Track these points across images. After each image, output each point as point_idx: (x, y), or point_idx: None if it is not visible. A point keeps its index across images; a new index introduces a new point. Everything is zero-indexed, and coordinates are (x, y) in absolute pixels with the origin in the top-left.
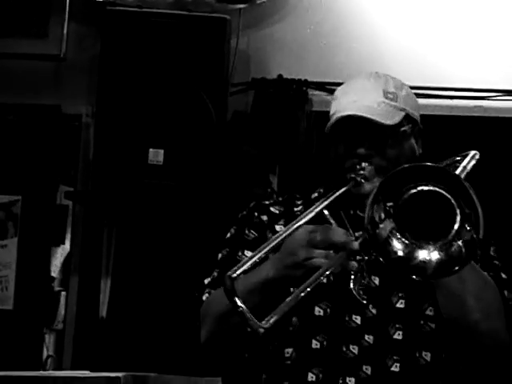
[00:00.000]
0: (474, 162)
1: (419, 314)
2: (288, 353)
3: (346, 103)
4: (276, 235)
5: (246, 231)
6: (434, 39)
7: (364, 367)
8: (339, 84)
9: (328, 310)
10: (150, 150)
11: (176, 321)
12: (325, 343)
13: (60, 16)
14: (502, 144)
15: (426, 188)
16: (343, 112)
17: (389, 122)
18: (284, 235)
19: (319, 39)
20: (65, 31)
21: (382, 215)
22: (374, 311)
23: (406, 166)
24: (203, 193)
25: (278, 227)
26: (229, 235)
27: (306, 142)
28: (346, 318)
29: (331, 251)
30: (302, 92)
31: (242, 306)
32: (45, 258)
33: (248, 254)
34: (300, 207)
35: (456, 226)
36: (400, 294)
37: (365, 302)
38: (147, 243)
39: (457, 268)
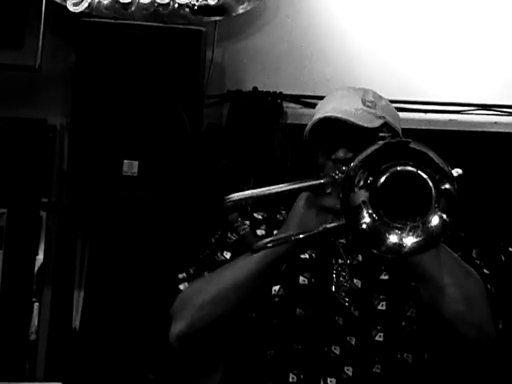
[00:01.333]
0: (455, 173)
1: (400, 315)
2: (270, 355)
3: (324, 110)
4: (274, 186)
5: (228, 234)
6: (409, 54)
7: (346, 368)
8: (314, 97)
9: (310, 311)
10: (125, 161)
11: (148, 332)
12: (306, 344)
13: (35, 27)
14: (477, 158)
15: (401, 168)
16: (319, 116)
17: (367, 125)
18: (279, 189)
19: (294, 52)
20: (40, 42)
21: (361, 183)
22: (356, 313)
23: (394, 140)
24: (177, 204)
25: (259, 232)
26: (213, 240)
27: (280, 155)
28: (329, 319)
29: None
30: (277, 105)
31: (245, 224)
32: (29, 269)
33: (227, 254)
34: (283, 212)
35: (433, 199)
36: (381, 296)
37: (347, 304)
38: (121, 255)
39: (434, 245)
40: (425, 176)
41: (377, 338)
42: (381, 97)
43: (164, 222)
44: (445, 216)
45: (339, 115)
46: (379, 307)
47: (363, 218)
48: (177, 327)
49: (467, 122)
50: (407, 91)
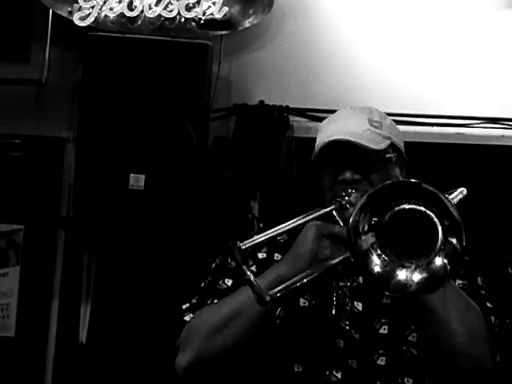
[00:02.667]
0: (461, 196)
1: (402, 339)
2: (271, 377)
3: (331, 132)
4: (286, 223)
5: (229, 260)
6: (415, 67)
7: None
8: (320, 110)
9: (310, 333)
10: (131, 175)
11: (155, 347)
12: (307, 367)
13: (42, 41)
14: (483, 171)
15: (408, 206)
16: (330, 138)
17: (375, 146)
18: (293, 224)
19: (300, 66)
20: (46, 56)
21: (366, 227)
22: (356, 336)
23: (396, 180)
24: (184, 218)
25: (260, 255)
26: (213, 266)
27: (287, 168)
28: (329, 342)
29: (340, 246)
30: (283, 118)
31: (249, 273)
32: (47, 285)
33: (228, 281)
34: (284, 235)
35: (439, 241)
36: (383, 320)
37: (347, 327)
38: (127, 268)
39: (439, 285)
40: (434, 217)
41: (379, 362)
42: (386, 116)
43: (170, 236)
44: (446, 261)
45: (348, 137)
46: (381, 331)
47: (373, 260)
48: (183, 359)
49: (474, 136)
50: (414, 105)
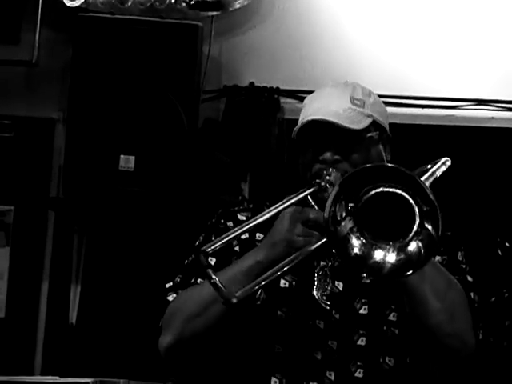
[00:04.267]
0: (444, 168)
1: (382, 319)
2: (252, 358)
3: (312, 110)
4: (255, 217)
5: (213, 238)
6: (405, 49)
7: (328, 372)
8: (311, 92)
9: (290, 314)
10: (121, 156)
11: (145, 326)
12: (288, 347)
13: (32, 22)
14: (473, 153)
15: (385, 189)
16: (308, 117)
17: (354, 126)
18: (263, 217)
19: (291, 47)
20: (37, 37)
21: (344, 214)
22: (337, 316)
23: (367, 165)
24: (174, 200)
25: (243, 236)
26: (197, 243)
27: (277, 150)
28: (310, 323)
29: (316, 232)
30: (274, 100)
31: (215, 277)
32: (37, 266)
33: (212, 260)
34: (246, 234)
35: (415, 226)
36: (363, 300)
37: (328, 307)
38: (117, 250)
39: (413, 269)
40: (409, 199)
41: (359, 343)
42: (369, 93)
43: (160, 217)
44: (421, 246)
45: (326, 117)
46: (361, 311)
47: (352, 243)
48: (165, 339)
49: (464, 118)
50: (404, 86)
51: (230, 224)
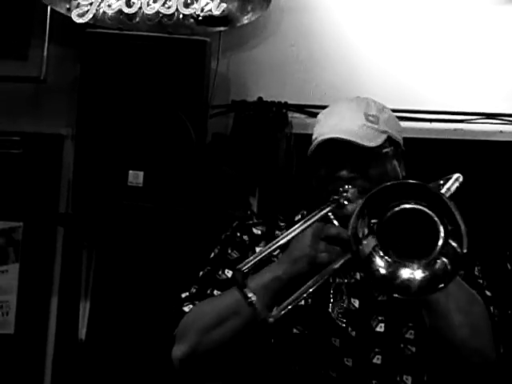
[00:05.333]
0: (457, 184)
1: (399, 337)
2: (267, 375)
3: (327, 127)
4: (283, 235)
5: (229, 251)
6: (413, 63)
7: None
8: (319, 107)
9: (306, 332)
10: (130, 171)
11: (154, 342)
12: (304, 365)
13: (40, 38)
14: (482, 167)
15: (409, 206)
16: (324, 136)
17: (370, 143)
18: (290, 235)
19: (299, 62)
20: (45, 53)
21: (366, 231)
22: (353, 334)
23: (391, 182)
24: (183, 215)
25: (258, 249)
26: (212, 255)
27: (285, 165)
28: (325, 341)
29: (337, 248)
30: (282, 114)
31: (253, 297)
32: (46, 282)
33: (228, 273)
34: (283, 230)
35: (440, 243)
36: (380, 318)
37: (344, 325)
38: (126, 265)
39: (441, 285)
40: (433, 215)
41: (375, 361)
42: (383, 108)
43: (169, 233)
44: (447, 262)
45: (342, 136)
46: (377, 329)
47: (377, 263)
48: (179, 350)
49: (472, 131)
50: (412, 100)
51: (246, 238)
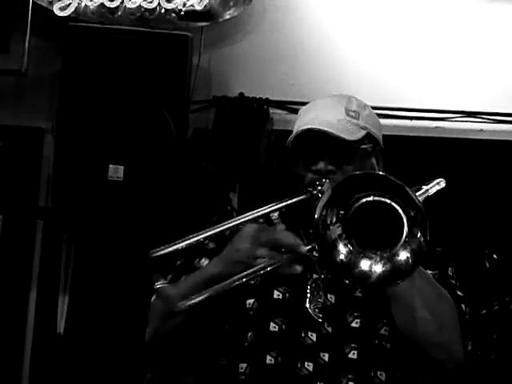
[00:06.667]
0: (437, 187)
1: (374, 333)
2: (242, 368)
3: (308, 119)
4: (216, 226)
5: (206, 241)
6: (394, 61)
7: None
8: (300, 103)
9: (283, 326)
10: (110, 166)
11: (133, 337)
12: (279, 359)
13: (22, 31)
14: (462, 165)
15: (375, 198)
16: (303, 127)
17: (349, 137)
18: (224, 227)
19: (281, 58)
20: (26, 47)
21: (334, 219)
22: (329, 329)
23: (357, 172)
24: (163, 210)
25: (211, 245)
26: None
27: (266, 160)
28: (302, 335)
29: (274, 252)
30: (263, 110)
31: (157, 284)
32: (25, 276)
33: (205, 262)
34: (213, 245)
35: (404, 235)
36: (355, 314)
37: (320, 320)
38: (106, 259)
39: (400, 279)
40: (398, 208)
41: (350, 356)
42: (365, 106)
43: (149, 227)
44: (410, 255)
45: (321, 127)
46: (353, 324)
47: (339, 250)
48: (147, 333)
49: (453, 129)
50: (393, 98)
51: (226, 232)
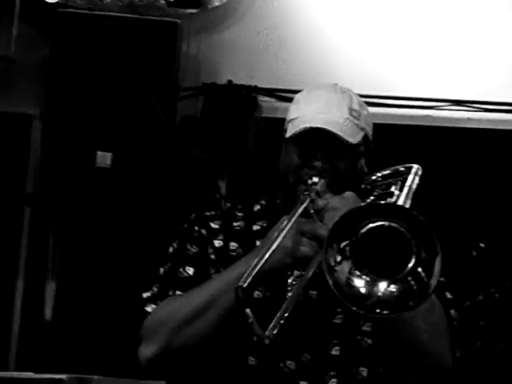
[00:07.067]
0: (417, 178)
1: (356, 329)
2: (224, 370)
3: (313, 113)
4: (269, 241)
5: (188, 246)
6: (382, 49)
7: (301, 383)
8: (288, 91)
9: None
10: (98, 152)
11: (120, 324)
12: (261, 359)
13: (9, 17)
14: (450, 153)
15: (379, 223)
16: (310, 123)
17: (352, 140)
18: (277, 241)
19: (270, 46)
20: (14, 32)
21: (338, 258)
22: (311, 326)
23: (361, 205)
24: (151, 197)
25: (216, 242)
26: (171, 250)
27: (254, 148)
28: (283, 334)
29: (315, 243)
30: (252, 98)
31: (252, 317)
32: (13, 263)
33: (189, 270)
34: (240, 222)
35: (410, 265)
36: (338, 310)
37: (301, 318)
38: (94, 246)
39: (421, 301)
40: (403, 230)
41: (333, 352)
42: (363, 104)
43: (136, 214)
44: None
45: (330, 128)
46: (335, 320)
47: (356, 284)
48: (148, 350)
49: (440, 118)
50: (381, 86)
51: (204, 232)
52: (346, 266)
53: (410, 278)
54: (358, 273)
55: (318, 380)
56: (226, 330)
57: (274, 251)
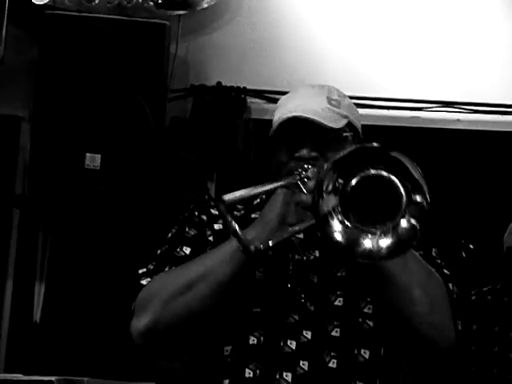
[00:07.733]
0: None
1: (357, 311)
2: (226, 350)
3: (290, 107)
4: (257, 187)
5: (187, 229)
6: (371, 51)
7: (301, 362)
8: (277, 92)
9: (265, 307)
10: (87, 154)
11: (110, 325)
12: (262, 338)
13: None
14: (439, 155)
15: (373, 172)
16: (288, 114)
17: (333, 125)
18: (262, 189)
19: (258, 48)
20: (3, 34)
21: (330, 187)
22: (311, 308)
23: (359, 146)
24: (140, 198)
25: (216, 226)
26: (170, 234)
27: (244, 150)
28: (284, 315)
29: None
30: (241, 99)
31: (235, 224)
32: (1, 264)
33: (186, 249)
34: (241, 211)
35: (403, 203)
36: (338, 292)
37: (303, 300)
38: (82, 248)
39: (408, 247)
40: (397, 182)
41: (333, 334)
42: (344, 95)
43: (125, 216)
44: (414, 221)
45: (306, 115)
46: (336, 303)
47: (334, 225)
48: (140, 322)
49: (429, 119)
50: (370, 88)
51: (204, 217)
52: (332, 201)
53: (403, 219)
54: (340, 216)
55: (318, 360)
56: (218, 305)
57: (268, 221)
